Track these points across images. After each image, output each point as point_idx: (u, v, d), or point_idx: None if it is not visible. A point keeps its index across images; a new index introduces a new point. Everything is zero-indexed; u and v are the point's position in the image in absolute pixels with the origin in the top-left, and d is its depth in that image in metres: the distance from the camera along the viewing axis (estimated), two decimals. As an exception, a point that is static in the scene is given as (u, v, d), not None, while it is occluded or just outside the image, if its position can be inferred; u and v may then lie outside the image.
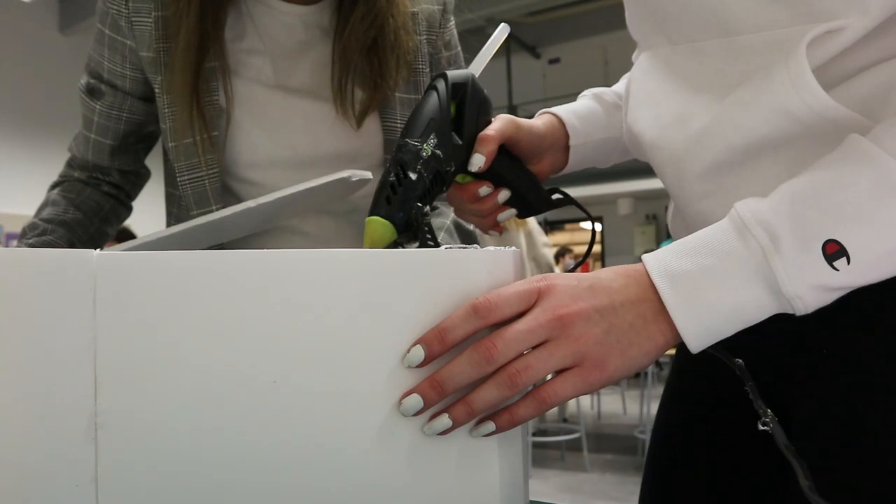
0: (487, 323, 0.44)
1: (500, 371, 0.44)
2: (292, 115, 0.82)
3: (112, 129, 0.87)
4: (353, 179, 0.66)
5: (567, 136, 0.72)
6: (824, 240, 0.43)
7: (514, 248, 0.48)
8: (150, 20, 0.80)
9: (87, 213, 0.89)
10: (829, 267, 0.43)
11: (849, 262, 0.43)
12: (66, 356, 0.43)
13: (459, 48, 0.95)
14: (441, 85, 0.63)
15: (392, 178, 0.58)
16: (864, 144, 0.44)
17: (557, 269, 4.87)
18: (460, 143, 0.63)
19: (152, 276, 0.44)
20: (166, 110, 0.80)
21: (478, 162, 0.63)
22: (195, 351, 0.44)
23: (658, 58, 0.60)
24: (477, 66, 0.68)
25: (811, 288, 0.43)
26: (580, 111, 0.74)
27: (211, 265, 0.44)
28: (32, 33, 7.00)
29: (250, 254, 0.45)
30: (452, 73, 0.64)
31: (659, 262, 0.47)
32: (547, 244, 4.45)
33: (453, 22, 0.94)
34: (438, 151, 0.60)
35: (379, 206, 0.58)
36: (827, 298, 0.45)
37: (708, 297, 0.45)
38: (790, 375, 0.56)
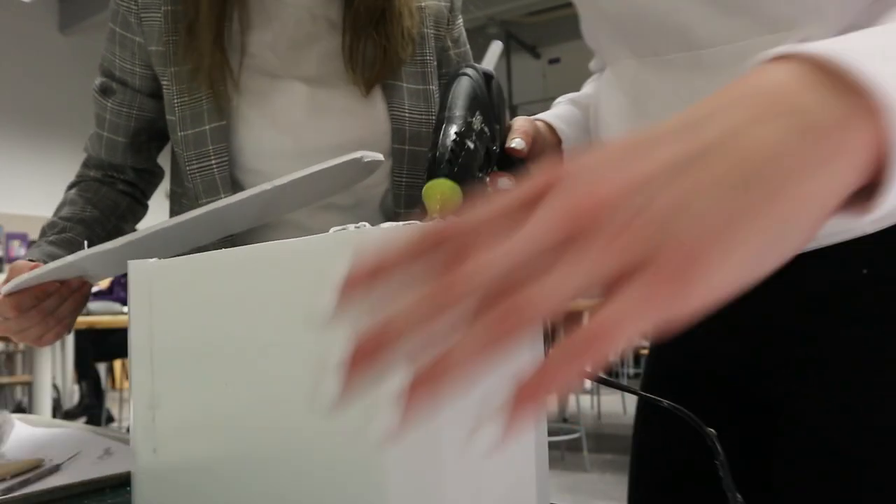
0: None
1: (482, 309, 0.24)
2: (297, 105, 0.83)
3: (123, 127, 0.89)
4: (366, 160, 0.66)
5: (558, 140, 0.72)
6: None
7: (403, 223, 0.39)
8: (160, 14, 0.82)
9: (104, 210, 0.90)
10: None
11: None
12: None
13: (468, 47, 0.96)
14: (472, 71, 0.62)
15: (451, 142, 0.54)
16: None
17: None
18: (498, 126, 0.62)
19: (176, 277, 0.49)
20: (175, 101, 0.81)
21: (519, 144, 0.62)
22: (192, 350, 0.45)
23: (626, 73, 0.59)
24: None
25: None
26: (565, 116, 0.74)
27: (206, 265, 0.46)
28: (32, 33, 7.00)
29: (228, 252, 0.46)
30: (479, 65, 0.63)
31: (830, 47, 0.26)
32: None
33: (461, 21, 0.95)
34: (486, 128, 0.58)
35: (441, 168, 0.52)
36: None
37: None
38: (800, 369, 0.55)
